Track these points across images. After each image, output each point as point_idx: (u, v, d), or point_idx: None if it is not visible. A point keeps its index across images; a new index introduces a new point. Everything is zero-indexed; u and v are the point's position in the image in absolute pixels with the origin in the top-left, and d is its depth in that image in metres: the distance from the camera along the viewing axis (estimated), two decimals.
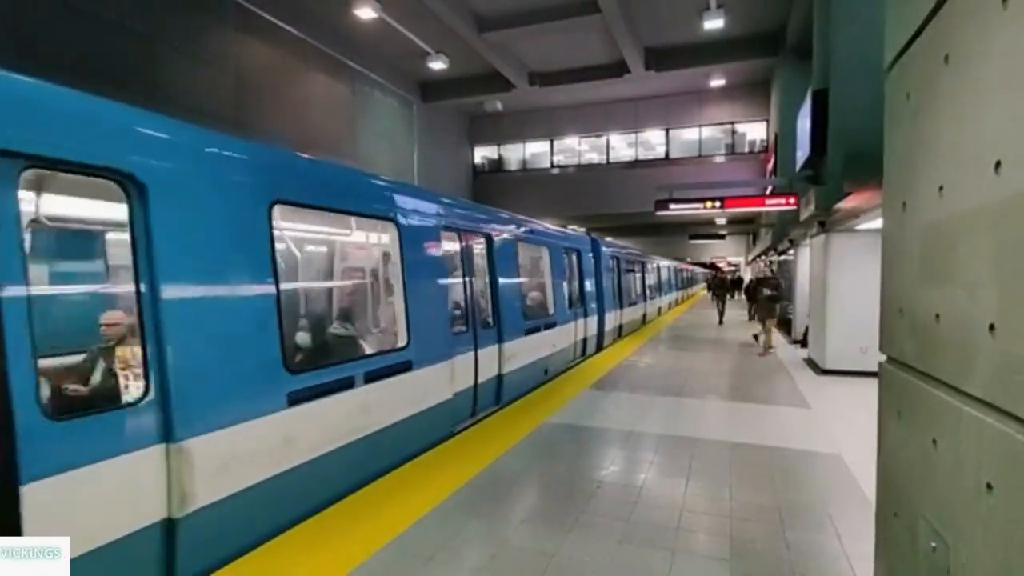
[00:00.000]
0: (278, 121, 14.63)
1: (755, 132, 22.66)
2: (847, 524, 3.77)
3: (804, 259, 13.07)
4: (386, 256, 5.53)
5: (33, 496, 2.36)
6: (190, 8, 12.03)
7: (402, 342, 5.01)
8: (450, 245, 6.30)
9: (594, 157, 25.11)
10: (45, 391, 2.75)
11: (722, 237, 39.55)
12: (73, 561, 2.18)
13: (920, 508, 1.51)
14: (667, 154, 23.73)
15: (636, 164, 23.99)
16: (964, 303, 1.26)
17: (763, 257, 22.51)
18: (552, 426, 6.17)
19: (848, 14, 7.36)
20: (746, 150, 22.90)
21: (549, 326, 8.81)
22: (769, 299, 12.13)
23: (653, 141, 24.23)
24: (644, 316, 18.00)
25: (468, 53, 17.18)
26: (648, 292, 19.32)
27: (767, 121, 21.64)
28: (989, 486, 1.12)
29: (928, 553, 1.43)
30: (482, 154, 26.35)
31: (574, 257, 10.81)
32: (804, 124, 9.32)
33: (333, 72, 16.56)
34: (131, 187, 2.89)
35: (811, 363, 10.42)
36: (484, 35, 16.08)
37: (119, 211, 2.99)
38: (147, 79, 11.03)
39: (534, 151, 25.78)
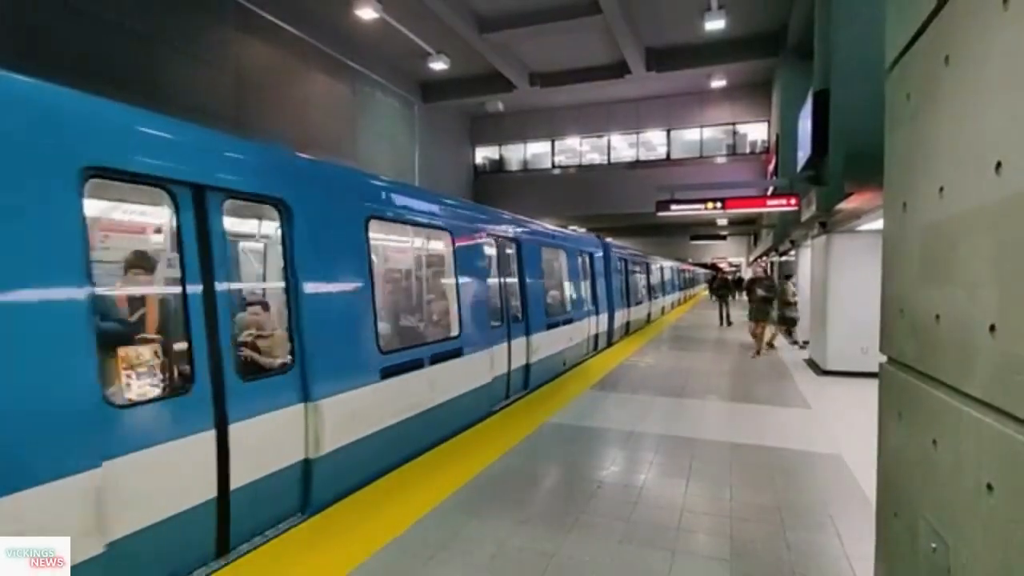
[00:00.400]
0: (279, 121, 14.64)
1: (756, 133, 22.66)
2: (847, 524, 3.77)
3: (805, 260, 13.07)
4: (441, 260, 6.46)
5: (235, 434, 3.34)
6: (190, 8, 12.04)
7: (455, 332, 5.99)
8: (488, 250, 7.21)
9: (595, 157, 25.11)
10: (237, 363, 3.58)
11: (723, 238, 39.56)
12: (255, 483, 3.47)
13: (920, 508, 1.51)
14: (668, 155, 23.72)
15: (637, 164, 23.99)
16: (964, 303, 1.25)
17: (763, 259, 22.50)
18: (553, 426, 6.17)
19: (849, 14, 7.35)
20: (747, 151, 22.89)
21: (567, 322, 9.75)
22: (764, 300, 11.90)
23: (654, 141, 24.23)
24: (649, 315, 18.92)
25: (469, 53, 17.19)
26: (652, 292, 20.27)
27: (768, 122, 21.63)
28: (989, 486, 1.12)
29: (928, 553, 1.43)
30: (483, 154, 26.35)
31: (587, 259, 11.69)
32: (805, 125, 9.31)
33: (334, 72, 16.58)
34: (282, 209, 3.84)
35: (812, 364, 10.41)
36: (485, 35, 16.09)
37: (270, 227, 4.23)
38: (147, 79, 11.04)
39: (535, 151, 25.78)
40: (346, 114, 17.35)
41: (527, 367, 7.83)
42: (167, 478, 2.96)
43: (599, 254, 12.63)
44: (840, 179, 6.76)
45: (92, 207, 3.21)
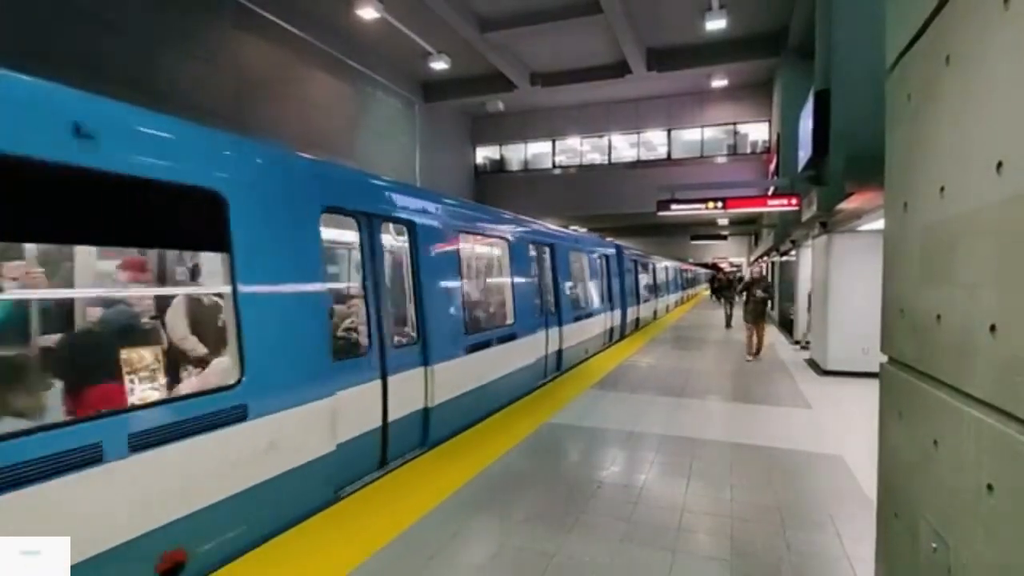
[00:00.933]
0: (280, 121, 14.64)
1: (757, 133, 22.64)
2: (848, 525, 3.77)
3: (806, 260, 13.06)
4: (500, 263, 8.00)
5: (391, 383, 4.75)
6: (190, 7, 12.05)
7: (510, 321, 7.52)
8: (532, 254, 8.73)
9: (596, 157, 25.10)
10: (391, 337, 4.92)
11: (724, 238, 39.52)
12: (400, 419, 4.86)
13: (921, 509, 1.51)
14: (669, 154, 23.71)
15: (638, 164, 23.98)
16: (965, 304, 1.25)
17: (762, 259, 22.47)
18: (553, 426, 6.17)
19: (850, 14, 7.35)
20: (748, 151, 22.87)
21: (588, 316, 11.31)
22: (762, 301, 11.56)
23: (655, 141, 24.21)
24: (655, 312, 20.42)
25: (470, 53, 17.19)
26: (659, 291, 22.11)
27: (769, 122, 21.62)
28: (990, 487, 1.12)
29: (929, 554, 1.42)
30: (484, 154, 26.34)
31: (604, 261, 13.18)
32: (806, 124, 9.31)
33: (335, 72, 16.58)
34: (363, 221, 4.75)
35: (812, 364, 10.40)
36: (486, 35, 16.09)
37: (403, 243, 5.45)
38: (147, 77, 11.05)
39: (536, 151, 25.78)
40: (347, 114, 17.35)
41: (560, 352, 9.30)
42: (362, 407, 4.45)
43: (614, 257, 14.12)
44: (841, 179, 6.76)
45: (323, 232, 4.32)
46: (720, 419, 6.68)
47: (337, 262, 6.47)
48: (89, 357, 3.49)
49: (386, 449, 4.73)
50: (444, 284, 5.81)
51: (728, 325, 17.74)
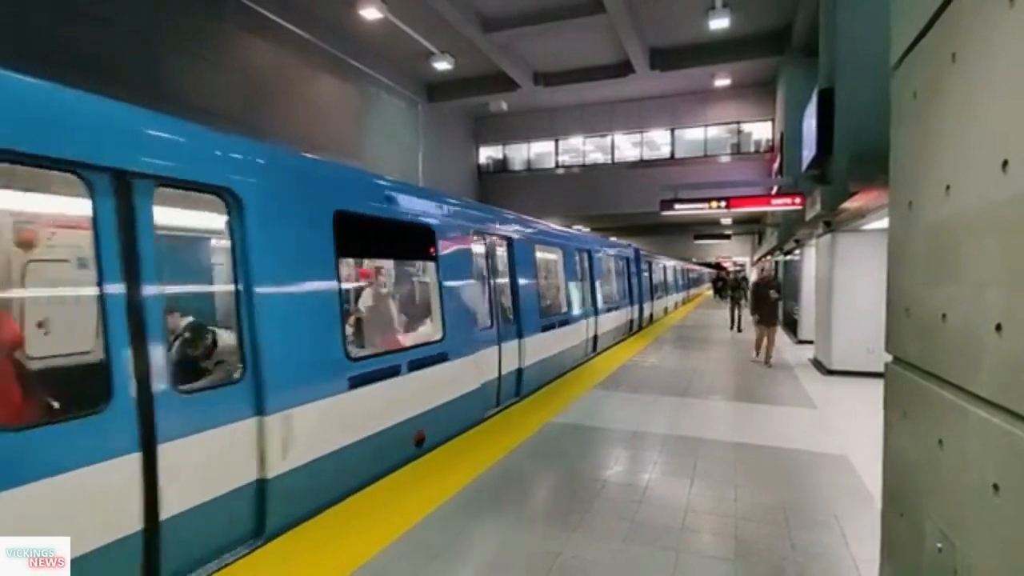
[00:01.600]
0: (285, 121, 14.68)
1: (761, 132, 22.59)
2: (853, 525, 3.76)
3: (810, 259, 13.02)
4: (556, 267, 10.11)
5: (503, 350, 6.76)
6: (195, 8, 12.09)
7: (566, 310, 9.71)
8: (578, 259, 10.95)
9: (599, 157, 25.09)
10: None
11: (727, 237, 39.45)
12: (504, 375, 6.84)
13: (926, 509, 1.50)
14: (672, 154, 23.68)
15: (641, 164, 23.96)
16: (971, 303, 1.25)
17: (767, 258, 22.40)
18: (557, 426, 6.16)
19: (854, 13, 7.32)
20: (752, 150, 22.83)
21: (615, 309, 13.39)
22: (774, 303, 10.84)
23: (658, 141, 24.19)
24: (666, 308, 22.57)
25: (473, 53, 17.19)
26: (668, 289, 24.54)
27: (773, 121, 21.57)
28: (996, 487, 1.11)
29: (934, 554, 1.42)
30: (487, 154, 26.36)
31: (625, 263, 15.27)
32: (810, 123, 9.28)
33: (339, 73, 16.61)
34: (504, 242, 7.39)
35: (817, 363, 10.37)
36: (489, 35, 16.10)
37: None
38: (154, 79, 11.09)
39: (539, 151, 25.78)
40: (352, 114, 17.39)
41: (595, 337, 11.52)
42: (490, 363, 6.53)
43: (633, 259, 16.23)
44: (845, 178, 6.74)
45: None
46: (724, 419, 6.66)
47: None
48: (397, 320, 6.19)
49: (499, 393, 6.71)
50: (527, 281, 7.88)
51: (734, 327, 16.45)
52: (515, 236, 7.64)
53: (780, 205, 12.23)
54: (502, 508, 4.05)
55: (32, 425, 2.57)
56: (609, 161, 24.70)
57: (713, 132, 23.21)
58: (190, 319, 4.32)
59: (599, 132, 24.57)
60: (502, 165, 26.30)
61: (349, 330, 5.14)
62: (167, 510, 2.84)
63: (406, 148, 20.19)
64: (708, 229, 36.08)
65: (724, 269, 45.43)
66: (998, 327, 1.12)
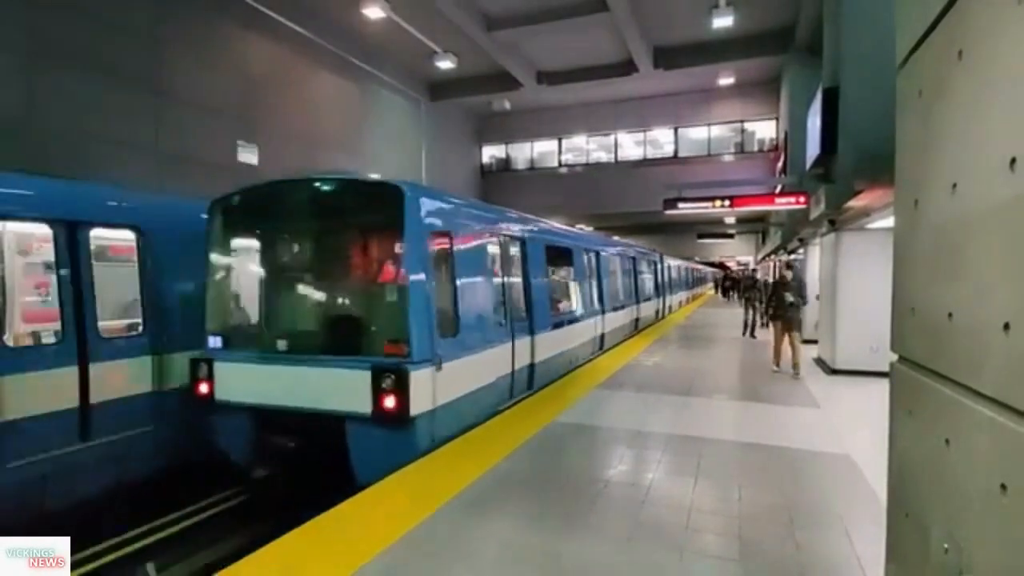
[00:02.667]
0: (286, 120, 14.71)
1: (764, 130, 22.54)
2: (857, 525, 3.74)
3: (814, 258, 12.97)
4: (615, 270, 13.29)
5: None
6: (197, 6, 12.12)
7: (625, 301, 13.76)
8: (626, 264, 14.81)
9: (602, 156, 25.07)
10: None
11: (731, 236, 39.35)
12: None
13: (932, 509, 1.49)
14: (676, 153, 23.65)
15: (644, 163, 23.93)
16: (978, 301, 1.24)
17: (779, 253, 22.27)
18: (560, 425, 6.16)
19: (858, 10, 7.29)
20: (755, 148, 22.78)
21: (648, 300, 17.21)
22: (792, 305, 9.60)
23: (662, 140, 24.15)
24: (680, 302, 25.68)
25: (476, 52, 17.19)
26: (682, 286, 28.15)
27: (776, 119, 21.51)
28: (1003, 487, 1.10)
29: (940, 555, 1.41)
30: (490, 153, 26.36)
31: (653, 264, 18.93)
32: (814, 122, 9.25)
33: (341, 71, 16.63)
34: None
35: (820, 363, 10.34)
36: (492, 34, 16.09)
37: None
38: (154, 77, 11.13)
39: (542, 150, 25.77)
40: (354, 113, 17.40)
41: (636, 320, 15.29)
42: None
43: (657, 261, 19.68)
44: (849, 176, 6.71)
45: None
46: (728, 418, 6.65)
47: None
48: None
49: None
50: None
51: (747, 333, 14.72)
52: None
53: (784, 204, 12.21)
54: (504, 507, 4.05)
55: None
56: (612, 160, 24.67)
57: (717, 131, 23.16)
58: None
59: (602, 131, 24.55)
60: (505, 164, 26.29)
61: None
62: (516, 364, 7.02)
63: (409, 147, 20.20)
64: (711, 228, 36.00)
65: (729, 269, 45.41)
66: (1006, 326, 1.11)
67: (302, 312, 6.08)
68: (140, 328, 5.34)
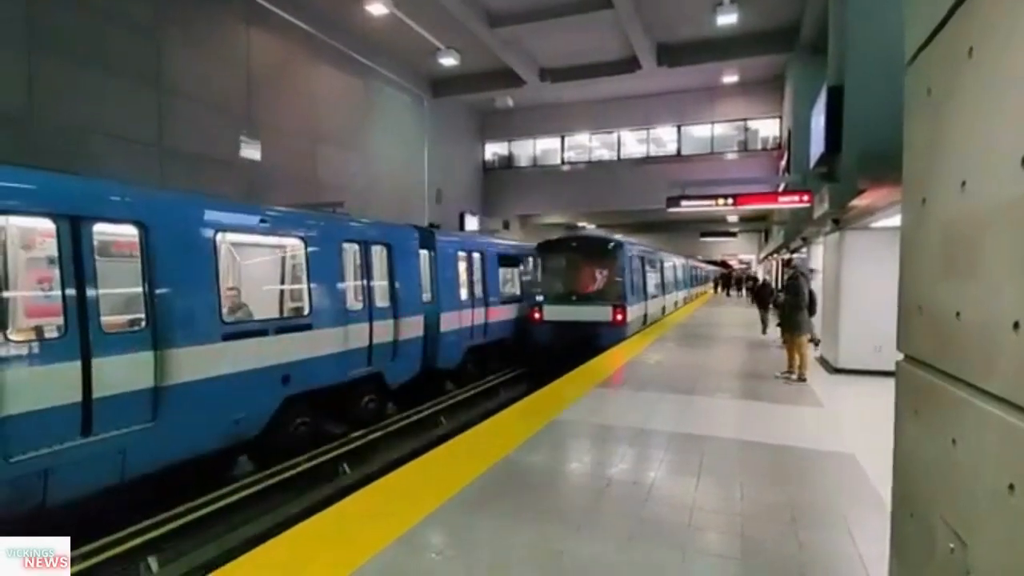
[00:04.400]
0: (289, 115, 14.70)
1: (768, 129, 22.46)
2: (861, 524, 3.74)
3: (818, 257, 12.94)
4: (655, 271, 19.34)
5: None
6: (200, 1, 12.10)
7: (662, 294, 19.63)
8: (655, 270, 19.00)
9: (605, 153, 25.00)
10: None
11: (734, 234, 39.33)
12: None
13: (938, 508, 1.48)
14: (679, 151, 23.58)
15: (647, 160, 23.86)
16: (987, 300, 1.23)
17: (781, 252, 22.23)
18: (562, 423, 6.16)
19: (864, 8, 7.26)
20: (759, 147, 22.70)
21: (670, 292, 21.28)
22: (797, 308, 8.99)
23: (665, 138, 24.08)
24: (694, 295, 31.53)
25: (479, 49, 17.15)
26: (695, 281, 33.44)
27: (780, 118, 21.44)
28: (1011, 486, 1.10)
29: (946, 554, 1.40)
30: (493, 150, 26.31)
31: (681, 265, 23.92)
32: (818, 120, 9.21)
33: (344, 67, 16.61)
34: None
35: (824, 362, 10.33)
36: (495, 30, 16.05)
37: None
38: (156, 72, 11.12)
39: (545, 147, 25.71)
40: (357, 109, 17.38)
41: (663, 308, 19.15)
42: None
43: (683, 263, 26.02)
44: (854, 175, 6.69)
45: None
46: (730, 417, 6.64)
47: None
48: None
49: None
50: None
51: (764, 332, 14.71)
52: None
53: (788, 203, 12.14)
54: (505, 506, 4.05)
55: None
56: (615, 158, 24.62)
57: (720, 129, 23.08)
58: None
59: (605, 128, 24.48)
60: (508, 161, 26.25)
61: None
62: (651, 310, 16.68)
63: (411, 144, 20.17)
64: (714, 226, 35.97)
65: (731, 267, 45.42)
66: (1015, 325, 1.10)
67: (579, 285, 13.76)
68: (143, 323, 5.34)
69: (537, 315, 13.14)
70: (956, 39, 1.43)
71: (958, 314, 1.37)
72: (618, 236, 17.47)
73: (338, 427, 7.97)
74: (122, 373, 4.99)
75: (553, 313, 13.08)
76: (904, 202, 1.85)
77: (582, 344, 11.91)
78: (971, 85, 1.35)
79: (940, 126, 1.55)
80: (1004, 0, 1.18)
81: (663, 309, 19.07)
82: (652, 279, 17.24)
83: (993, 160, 1.22)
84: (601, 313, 12.87)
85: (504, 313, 13.20)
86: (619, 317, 12.91)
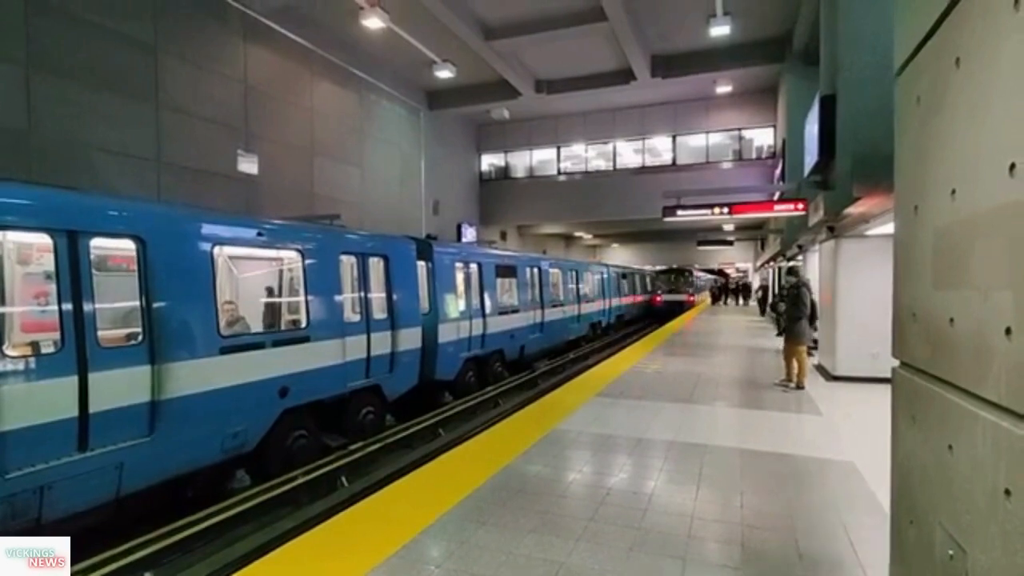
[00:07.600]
0: (286, 129, 14.75)
1: (762, 138, 22.61)
2: (861, 532, 3.73)
3: (813, 265, 12.98)
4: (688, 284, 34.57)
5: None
6: (196, 17, 12.18)
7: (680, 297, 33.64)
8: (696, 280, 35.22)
9: (601, 164, 25.12)
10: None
11: (730, 243, 39.34)
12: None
13: (936, 515, 1.49)
14: (674, 160, 23.71)
15: (643, 170, 23.98)
16: (979, 307, 1.24)
17: (777, 259, 22.28)
18: (561, 432, 6.14)
19: (855, 18, 7.34)
20: (754, 156, 22.83)
21: (700, 291, 36.74)
22: (798, 317, 8.84)
23: (660, 147, 24.22)
24: (702, 300, 38.32)
25: (475, 61, 17.27)
26: (702, 288, 40.17)
27: (774, 127, 21.59)
28: (1008, 492, 1.10)
29: (945, 561, 1.41)
30: (489, 161, 26.42)
31: (694, 274, 33.11)
32: (812, 129, 9.29)
33: (341, 81, 16.70)
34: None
35: (821, 369, 10.33)
36: (491, 43, 16.17)
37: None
38: (156, 87, 11.16)
39: (541, 158, 25.83)
40: (353, 122, 17.47)
41: (682, 303, 32.49)
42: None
43: (699, 273, 35.18)
44: (848, 183, 6.73)
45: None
46: (729, 425, 6.63)
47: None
48: None
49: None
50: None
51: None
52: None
53: (783, 211, 12.18)
54: (506, 516, 4.03)
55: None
56: (611, 168, 24.74)
57: (715, 138, 23.23)
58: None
59: (601, 139, 24.62)
60: (504, 172, 26.36)
61: None
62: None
63: (408, 156, 20.25)
64: (711, 235, 36.05)
65: (728, 276, 45.66)
66: (1008, 331, 1.11)
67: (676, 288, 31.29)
68: (140, 337, 5.32)
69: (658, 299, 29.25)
70: (944, 50, 1.46)
71: (951, 320, 1.38)
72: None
73: (336, 439, 7.91)
74: (119, 387, 4.96)
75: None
76: (897, 210, 1.86)
77: None
78: (959, 94, 1.38)
79: (929, 135, 1.57)
80: (989, 12, 1.20)
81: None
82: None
83: (982, 168, 1.24)
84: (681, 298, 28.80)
85: (502, 324, 12.92)
86: (688, 300, 30.85)
